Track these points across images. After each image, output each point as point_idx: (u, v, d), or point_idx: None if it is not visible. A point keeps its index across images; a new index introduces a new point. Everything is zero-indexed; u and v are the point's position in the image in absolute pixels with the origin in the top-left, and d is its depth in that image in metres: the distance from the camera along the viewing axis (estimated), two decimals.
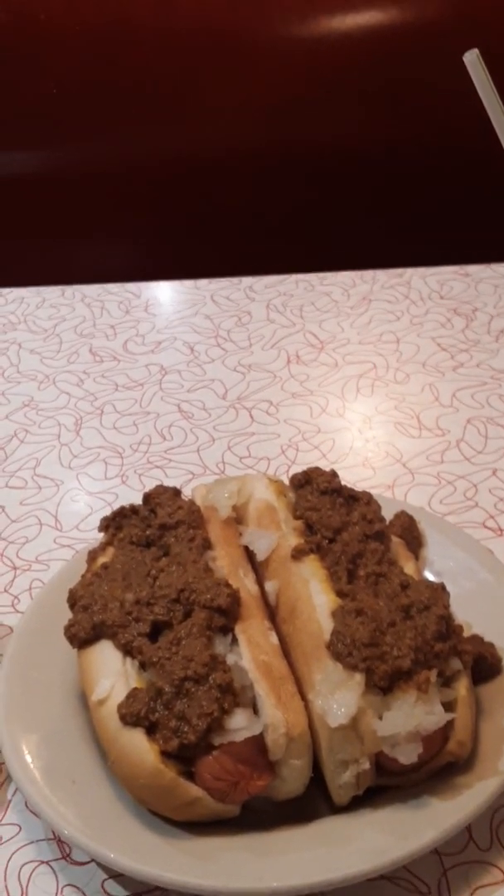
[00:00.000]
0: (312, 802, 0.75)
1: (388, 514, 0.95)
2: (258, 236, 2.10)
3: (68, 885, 0.74)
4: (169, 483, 1.08)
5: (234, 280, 1.60)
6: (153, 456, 1.21)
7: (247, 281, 1.59)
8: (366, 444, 1.20)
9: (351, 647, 0.73)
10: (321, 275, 1.58)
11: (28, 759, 0.77)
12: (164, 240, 2.17)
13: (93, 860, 0.75)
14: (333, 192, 2.06)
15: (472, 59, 0.86)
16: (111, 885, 0.74)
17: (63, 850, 0.77)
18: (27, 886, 0.74)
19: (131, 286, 1.60)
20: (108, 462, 1.21)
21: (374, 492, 1.05)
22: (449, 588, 0.86)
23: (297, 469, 0.95)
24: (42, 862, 0.76)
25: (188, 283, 1.61)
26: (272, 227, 2.09)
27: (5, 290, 1.62)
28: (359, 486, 1.10)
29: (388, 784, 0.74)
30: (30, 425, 1.29)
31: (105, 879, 0.74)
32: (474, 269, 1.54)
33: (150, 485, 1.03)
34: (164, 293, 1.59)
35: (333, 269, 1.61)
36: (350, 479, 1.13)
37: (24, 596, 1.01)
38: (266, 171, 2.06)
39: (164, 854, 0.71)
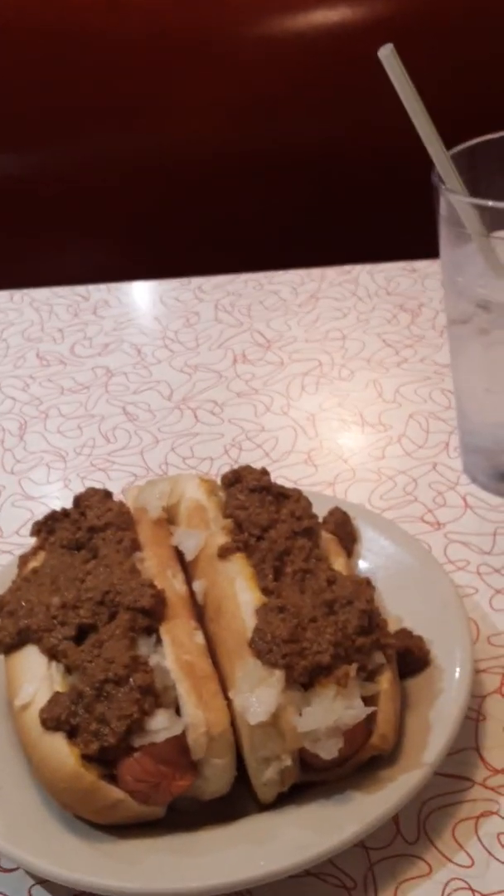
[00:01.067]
0: (239, 801, 0.74)
1: (326, 511, 0.95)
2: (214, 235, 2.10)
3: None
4: (111, 486, 1.08)
5: (184, 280, 1.59)
6: (96, 459, 1.21)
7: (196, 281, 1.59)
8: (309, 442, 1.20)
9: (271, 644, 0.73)
10: (269, 273, 1.58)
11: None
12: (127, 241, 2.17)
13: (20, 867, 0.75)
14: (290, 189, 2.07)
15: (387, 54, 0.87)
16: (38, 892, 0.74)
17: None
18: None
19: (80, 289, 1.60)
20: (51, 466, 1.20)
21: (315, 489, 1.06)
22: (381, 582, 0.86)
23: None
24: None
25: (136, 285, 1.60)
26: (226, 226, 2.09)
27: None
28: (300, 484, 1.11)
29: (313, 780, 0.74)
30: None
31: (32, 885, 0.74)
32: (421, 265, 1.54)
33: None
34: (113, 296, 1.58)
35: (285, 267, 1.61)
36: (292, 476, 1.13)
37: None
38: (221, 170, 2.06)
39: (87, 858, 0.70)
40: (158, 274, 1.65)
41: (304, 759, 0.73)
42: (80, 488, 1.14)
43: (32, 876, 0.74)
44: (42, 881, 0.74)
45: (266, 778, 0.72)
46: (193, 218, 2.10)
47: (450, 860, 0.73)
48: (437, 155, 0.90)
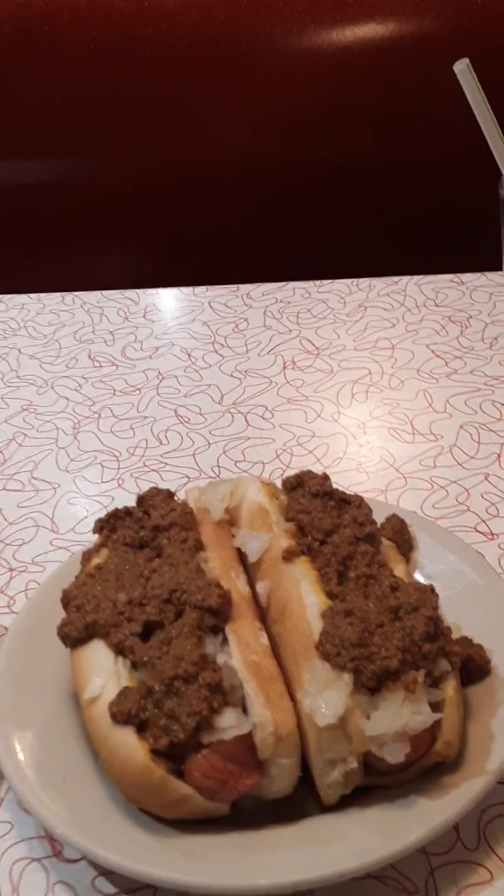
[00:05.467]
0: (301, 802, 0.75)
1: (380, 518, 0.95)
2: (258, 245, 2.12)
3: (59, 882, 0.75)
4: (164, 486, 1.09)
5: (232, 287, 1.61)
6: (149, 459, 1.22)
7: (244, 288, 1.60)
8: (359, 449, 1.21)
9: (339, 647, 0.74)
10: (318, 282, 1.60)
11: (21, 757, 0.78)
12: (166, 249, 2.19)
13: (84, 858, 0.76)
14: (332, 202, 2.08)
15: (463, 69, 0.88)
16: (101, 882, 0.75)
17: (54, 847, 0.78)
18: (18, 884, 0.75)
19: (130, 293, 1.61)
20: (104, 465, 1.22)
21: (367, 496, 1.06)
22: (439, 590, 0.87)
23: (292, 473, 0.96)
24: (33, 859, 0.77)
25: (186, 290, 1.62)
26: (271, 236, 2.10)
27: (6, 297, 1.63)
28: (352, 491, 1.11)
29: (376, 783, 0.75)
30: (28, 429, 1.30)
31: (95, 877, 0.75)
32: (469, 278, 1.55)
33: (145, 488, 1.04)
34: (163, 300, 1.60)
35: (332, 277, 1.63)
36: (343, 483, 1.14)
37: (19, 597, 1.02)
38: (265, 181, 2.07)
39: (153, 851, 0.71)
40: (194, 282, 1.66)
41: (369, 763, 0.73)
42: (133, 488, 1.16)
43: (96, 867, 0.75)
44: (105, 872, 0.75)
45: (331, 780, 0.73)
46: (229, 227, 2.12)
47: None
48: None
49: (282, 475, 1.15)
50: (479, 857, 0.75)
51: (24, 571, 1.05)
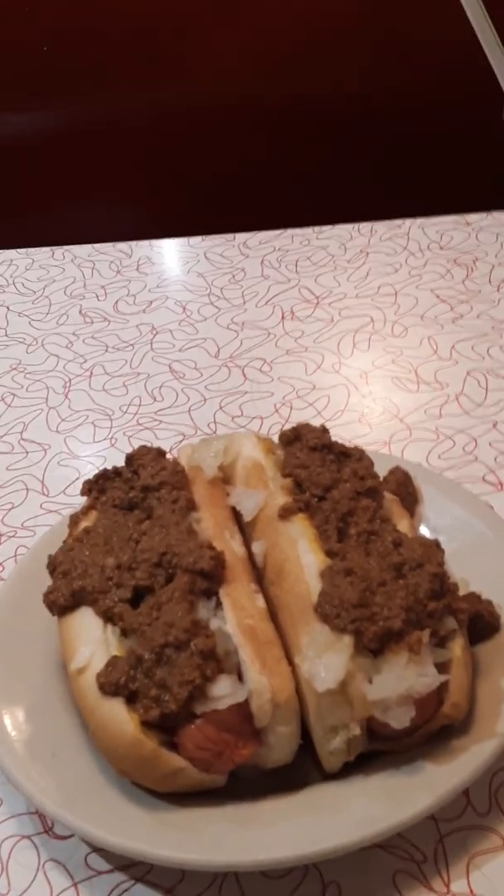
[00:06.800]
0: (302, 770, 0.71)
1: (383, 471, 0.91)
2: (256, 191, 2.05)
3: (50, 859, 0.72)
4: (159, 444, 1.05)
5: (228, 237, 1.55)
6: (143, 417, 1.17)
7: (241, 237, 1.54)
8: (362, 400, 1.16)
9: (339, 609, 0.70)
10: (318, 228, 1.53)
11: (9, 731, 0.74)
12: (161, 197, 2.13)
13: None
14: (332, 143, 2.01)
15: None
16: (94, 860, 0.72)
17: (45, 824, 0.74)
18: (8, 861, 0.72)
19: (122, 245, 1.56)
20: (96, 425, 1.17)
21: (370, 448, 1.01)
22: (445, 544, 0.82)
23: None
24: (23, 836, 0.74)
25: (181, 241, 1.56)
26: (270, 181, 2.03)
27: None
28: (354, 443, 1.06)
29: (380, 749, 0.71)
30: (17, 389, 1.25)
31: (88, 853, 0.72)
32: (475, 218, 1.49)
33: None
34: (156, 252, 1.54)
35: (332, 222, 1.56)
36: (346, 435, 1.09)
37: (9, 563, 0.98)
38: (264, 124, 2.01)
39: (146, 828, 0.68)
40: (191, 231, 1.60)
41: (373, 728, 0.69)
42: (127, 447, 1.12)
43: (89, 844, 0.72)
44: (99, 849, 0.72)
45: (332, 747, 0.69)
46: (224, 170, 2.05)
47: None
48: None
49: (281, 430, 1.10)
50: (490, 822, 0.71)
51: (13, 536, 1.01)
